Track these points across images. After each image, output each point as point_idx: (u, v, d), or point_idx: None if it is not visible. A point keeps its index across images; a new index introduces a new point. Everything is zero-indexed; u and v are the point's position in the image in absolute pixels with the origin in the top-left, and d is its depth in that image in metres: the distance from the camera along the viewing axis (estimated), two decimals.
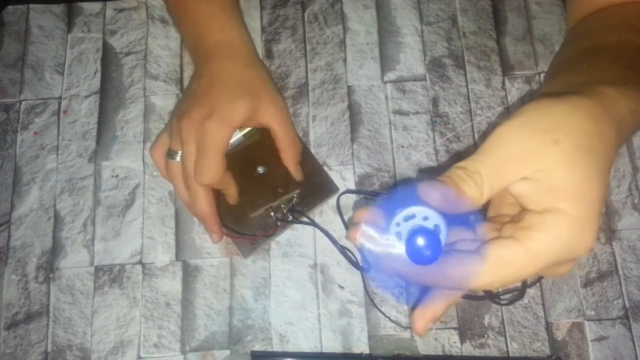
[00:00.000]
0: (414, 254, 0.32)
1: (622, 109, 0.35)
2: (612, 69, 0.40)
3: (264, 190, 0.51)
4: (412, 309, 0.49)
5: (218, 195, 0.50)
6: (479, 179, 0.32)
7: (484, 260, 0.32)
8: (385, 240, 0.33)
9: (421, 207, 0.32)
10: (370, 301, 0.49)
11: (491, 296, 0.47)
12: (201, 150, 0.47)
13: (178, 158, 0.49)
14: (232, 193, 0.50)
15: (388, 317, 0.49)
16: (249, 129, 0.51)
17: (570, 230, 0.32)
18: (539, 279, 0.49)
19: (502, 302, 0.48)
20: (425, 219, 0.33)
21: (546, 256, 0.32)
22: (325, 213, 0.52)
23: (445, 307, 0.37)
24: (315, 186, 0.52)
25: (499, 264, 0.32)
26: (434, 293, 0.37)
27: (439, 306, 0.37)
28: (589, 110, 0.34)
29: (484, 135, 0.52)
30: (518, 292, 0.45)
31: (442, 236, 0.33)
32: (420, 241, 0.31)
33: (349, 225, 0.50)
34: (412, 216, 0.33)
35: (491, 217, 0.38)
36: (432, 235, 0.32)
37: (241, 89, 0.49)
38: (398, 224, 0.33)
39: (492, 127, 0.53)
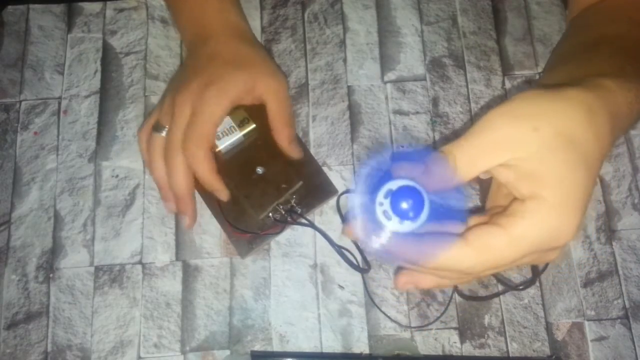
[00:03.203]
0: (399, 209, 0.33)
1: (619, 101, 0.36)
2: (610, 62, 0.40)
3: (268, 189, 0.50)
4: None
5: (219, 202, 0.50)
6: (452, 160, 0.33)
7: (467, 242, 0.33)
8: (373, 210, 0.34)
9: (396, 180, 0.34)
10: (370, 301, 0.49)
11: (504, 283, 0.48)
12: (198, 116, 0.46)
13: (164, 133, 0.48)
14: (220, 188, 0.49)
15: (388, 317, 0.49)
16: (250, 128, 0.51)
17: (551, 217, 0.32)
18: (545, 267, 0.49)
19: (519, 287, 0.48)
20: None
21: (528, 242, 0.32)
22: (325, 213, 0.52)
23: (433, 284, 0.38)
24: (314, 188, 0.52)
25: (481, 247, 0.33)
26: None
27: (428, 279, 0.37)
28: (583, 100, 0.34)
29: None
30: (530, 279, 0.47)
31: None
32: (403, 195, 0.33)
33: (344, 222, 0.50)
34: (391, 191, 0.34)
35: (487, 209, 0.39)
36: (413, 188, 0.33)
37: (240, 63, 0.49)
38: (381, 204, 0.34)
39: None
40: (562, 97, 0.34)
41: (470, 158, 0.33)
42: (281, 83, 0.50)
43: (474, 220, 0.36)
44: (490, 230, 0.33)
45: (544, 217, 0.32)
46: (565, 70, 0.42)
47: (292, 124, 0.51)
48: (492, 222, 0.33)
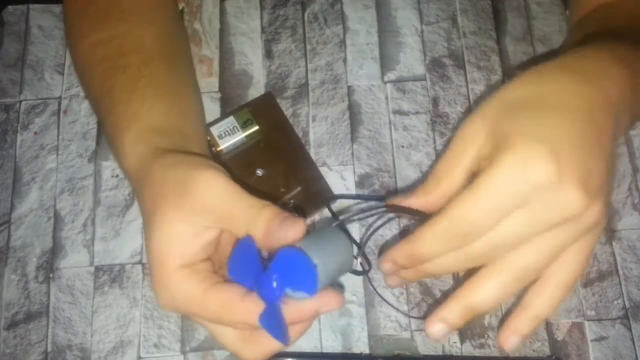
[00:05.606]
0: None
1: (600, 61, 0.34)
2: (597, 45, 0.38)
3: (266, 192, 0.50)
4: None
5: None
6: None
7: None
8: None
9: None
10: (372, 299, 0.49)
11: None
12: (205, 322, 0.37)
13: None
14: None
15: (393, 306, 0.49)
16: (252, 130, 0.51)
17: (524, 158, 0.29)
18: None
19: None
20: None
21: (498, 189, 0.30)
22: (326, 214, 0.52)
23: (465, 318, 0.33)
24: (312, 194, 0.51)
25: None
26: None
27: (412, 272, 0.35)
28: (534, 72, 0.33)
29: None
30: None
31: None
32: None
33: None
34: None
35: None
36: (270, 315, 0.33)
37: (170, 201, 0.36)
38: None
39: None
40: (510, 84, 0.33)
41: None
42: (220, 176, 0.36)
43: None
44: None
45: (512, 161, 0.29)
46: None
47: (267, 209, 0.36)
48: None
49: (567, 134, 0.30)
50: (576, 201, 0.29)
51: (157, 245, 0.35)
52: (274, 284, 0.32)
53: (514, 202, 0.29)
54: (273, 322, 0.33)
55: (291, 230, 0.33)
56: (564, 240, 0.31)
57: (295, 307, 0.33)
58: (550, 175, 0.29)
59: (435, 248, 0.32)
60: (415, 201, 0.34)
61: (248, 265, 0.33)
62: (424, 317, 0.49)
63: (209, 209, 0.35)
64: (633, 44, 0.37)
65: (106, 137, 0.47)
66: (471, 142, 0.32)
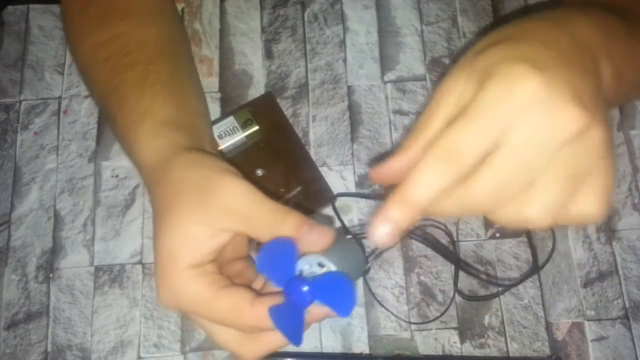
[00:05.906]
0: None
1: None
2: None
3: (266, 193, 0.50)
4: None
5: None
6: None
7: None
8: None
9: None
10: (371, 301, 0.49)
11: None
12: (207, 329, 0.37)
13: None
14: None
15: (392, 313, 0.49)
16: (252, 130, 0.51)
17: (504, 76, 0.27)
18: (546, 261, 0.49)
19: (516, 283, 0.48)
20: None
21: (484, 109, 0.27)
22: (326, 213, 0.52)
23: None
24: (312, 194, 0.51)
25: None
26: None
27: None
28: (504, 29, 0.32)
29: None
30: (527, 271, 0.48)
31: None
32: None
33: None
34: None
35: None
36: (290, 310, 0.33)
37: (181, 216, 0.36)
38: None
39: None
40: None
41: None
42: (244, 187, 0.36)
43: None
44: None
45: (492, 84, 0.27)
46: None
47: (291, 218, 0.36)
48: None
49: (547, 56, 0.29)
50: (571, 114, 0.26)
51: (168, 243, 0.35)
52: (307, 294, 0.32)
53: (504, 122, 0.27)
54: (292, 326, 0.33)
55: (321, 239, 0.33)
56: (576, 160, 0.27)
57: (315, 311, 0.33)
58: (538, 90, 0.27)
59: (433, 183, 0.28)
60: (398, 161, 0.31)
61: (282, 266, 0.33)
62: (424, 322, 0.49)
63: (230, 211, 0.35)
64: (610, 13, 0.36)
65: (114, 133, 0.47)
66: (449, 91, 0.30)
